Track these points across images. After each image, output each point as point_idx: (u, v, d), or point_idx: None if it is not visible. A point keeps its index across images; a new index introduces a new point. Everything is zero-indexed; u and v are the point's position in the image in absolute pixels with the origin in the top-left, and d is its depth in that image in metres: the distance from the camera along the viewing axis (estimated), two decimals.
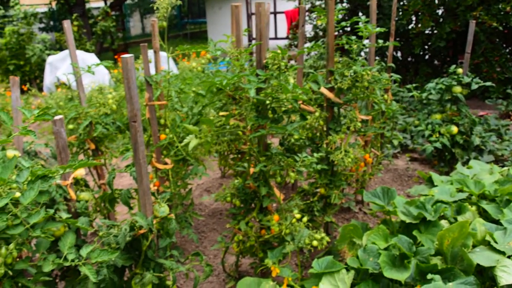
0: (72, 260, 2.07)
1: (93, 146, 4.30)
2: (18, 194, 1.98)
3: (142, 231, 2.66)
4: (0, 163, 2.04)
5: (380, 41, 4.22)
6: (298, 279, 3.34)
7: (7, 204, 1.89)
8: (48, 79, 11.09)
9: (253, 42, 4.15)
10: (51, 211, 2.09)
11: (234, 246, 3.70)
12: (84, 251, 2.11)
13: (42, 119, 2.08)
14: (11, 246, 1.87)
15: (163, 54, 11.13)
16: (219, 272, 4.12)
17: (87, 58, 10.61)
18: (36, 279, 2.12)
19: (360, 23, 3.83)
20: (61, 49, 14.89)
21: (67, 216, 2.16)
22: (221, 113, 4.28)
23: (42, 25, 18.66)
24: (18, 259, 2.06)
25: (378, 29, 3.85)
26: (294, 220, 3.30)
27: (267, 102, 3.22)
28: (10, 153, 3.79)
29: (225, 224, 4.92)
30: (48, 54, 12.75)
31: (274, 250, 3.26)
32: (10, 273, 1.88)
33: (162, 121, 4.00)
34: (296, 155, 3.31)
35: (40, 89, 11.70)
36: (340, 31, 9.74)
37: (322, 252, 3.88)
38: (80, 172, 3.40)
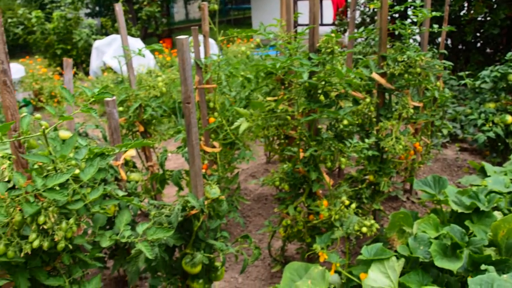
0: (128, 237, 2.12)
1: (142, 129, 4.37)
2: (77, 170, 2.04)
3: (193, 212, 2.70)
4: (57, 141, 2.09)
5: (435, 25, 4.15)
6: (345, 266, 3.34)
7: (67, 180, 1.94)
8: (95, 64, 11.30)
9: (298, 28, 4.14)
10: (109, 188, 2.14)
11: (281, 231, 3.72)
12: (140, 228, 2.16)
13: (102, 97, 2.12)
14: (71, 221, 1.93)
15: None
16: (265, 256, 4.15)
17: (133, 43, 10.74)
18: (92, 255, 2.19)
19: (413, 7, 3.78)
20: (106, 34, 15.14)
21: (123, 194, 2.21)
22: (268, 98, 4.29)
23: (88, 11, 18.99)
24: (75, 235, 2.12)
25: (434, 13, 3.78)
26: (342, 206, 3.30)
27: (319, 86, 3.21)
28: (63, 133, 3.88)
29: (270, 209, 4.94)
30: (94, 39, 12.97)
31: (322, 236, 3.26)
32: (70, 247, 1.94)
33: (211, 104, 4.03)
34: (347, 141, 3.29)
35: (87, 73, 11.93)
36: (388, 17, 9.59)
37: (369, 240, 3.87)
38: (131, 153, 3.47)
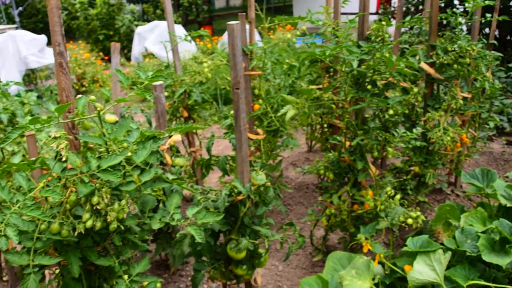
0: (178, 220, 2.13)
1: (186, 114, 4.39)
2: (129, 153, 2.05)
3: (240, 198, 2.70)
4: (108, 124, 2.11)
5: (488, 15, 4.03)
6: (389, 257, 3.30)
7: (120, 161, 1.96)
8: (136, 49, 11.41)
9: (342, 17, 4.11)
10: (160, 171, 2.15)
11: (323, 220, 3.69)
12: (190, 212, 2.16)
13: (156, 81, 2.13)
14: (123, 202, 1.94)
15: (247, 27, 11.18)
16: (306, 245, 4.14)
17: (175, 29, 10.78)
18: (142, 237, 2.20)
19: None
20: (148, 20, 15.26)
21: (173, 178, 2.22)
22: (311, 87, 4.26)
23: None
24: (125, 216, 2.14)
25: (487, 2, 3.67)
26: (386, 197, 3.26)
27: (368, 74, 3.16)
28: (109, 117, 3.92)
29: (311, 198, 4.92)
30: (136, 25, 13.09)
31: (367, 226, 3.22)
32: (122, 227, 1.96)
33: (256, 91, 4.02)
34: (394, 131, 3.24)
35: (128, 59, 12.07)
36: None
37: (411, 232, 3.81)
38: (176, 138, 3.48)
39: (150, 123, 4.21)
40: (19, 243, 1.81)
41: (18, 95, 7.01)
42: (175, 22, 14.42)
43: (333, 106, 4.24)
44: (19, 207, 1.70)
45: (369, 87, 3.23)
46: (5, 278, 3.96)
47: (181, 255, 2.88)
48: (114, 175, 1.86)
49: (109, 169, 1.87)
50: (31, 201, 1.73)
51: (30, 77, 9.58)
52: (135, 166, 2.01)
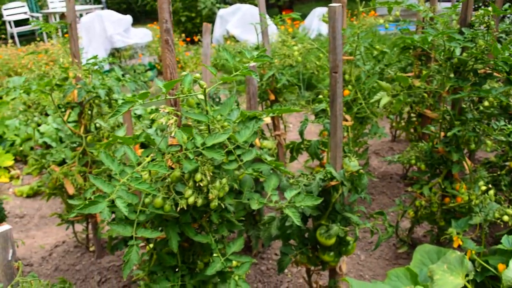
0: (276, 202, 2.11)
1: (272, 97, 4.37)
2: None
3: (333, 183, 2.66)
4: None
5: None
6: (480, 254, 3.17)
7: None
8: (218, 32, 11.49)
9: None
10: (259, 152, 2.13)
11: (410, 211, 3.59)
12: (288, 194, 2.14)
13: (260, 61, 2.11)
14: (224, 180, 1.94)
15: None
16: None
17: (257, 13, 10.77)
18: (238, 216, 2.20)
19: None
20: (229, 3, 15.32)
21: (271, 159, 2.19)
22: (398, 74, 4.13)
23: None
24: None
25: None
26: (481, 191, 3.12)
27: (470, 63, 3.02)
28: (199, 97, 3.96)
29: (395, 188, 4.80)
30: (218, 8, 13.17)
31: (459, 220, 3.10)
32: (222, 206, 1.96)
33: (347, 76, 3.94)
34: (494, 123, 3.09)
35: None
36: None
37: (504, 230, 3.65)
38: (267, 120, 3.47)
39: (237, 104, 4.20)
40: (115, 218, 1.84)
41: (108, 71, 7.23)
42: (257, 6, 14.42)
43: (425, 95, 4.10)
44: (127, 179, 1.72)
45: (469, 76, 3.09)
46: (91, 249, 4.09)
47: (268, 238, 2.88)
48: (218, 153, 1.86)
49: (213, 147, 1.87)
50: (138, 174, 1.75)
51: (114, 56, 9.84)
52: (237, 146, 2.00)
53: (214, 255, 2.12)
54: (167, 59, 2.13)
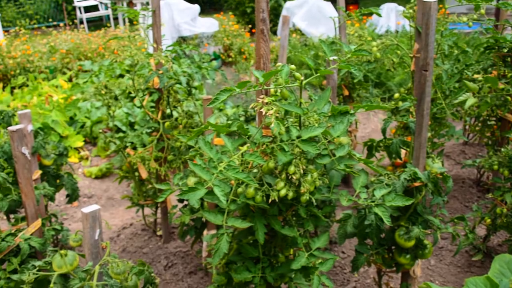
0: (365, 199, 2.06)
1: (346, 93, 4.30)
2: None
3: (417, 184, 2.58)
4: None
5: None
6: None
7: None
8: None
9: None
10: (350, 149, 2.09)
11: (487, 219, 3.47)
12: (378, 193, 2.09)
13: (359, 55, 2.06)
14: (315, 174, 1.91)
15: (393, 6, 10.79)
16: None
17: (324, 6, 10.69)
18: (325, 212, 2.17)
19: None
20: None
21: (360, 155, 2.14)
22: (475, 76, 3.99)
23: None
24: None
25: None
26: None
27: None
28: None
29: (467, 193, 4.65)
30: (285, 0, 13.10)
31: None
32: (313, 200, 1.93)
33: None
34: None
35: (274, 33, 12.13)
36: None
37: None
38: None
39: (311, 99, 4.16)
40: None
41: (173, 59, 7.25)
42: None
43: (509, 98, 3.94)
44: (224, 167, 1.71)
45: None
46: (158, 233, 4.14)
47: (343, 235, 2.82)
48: (313, 147, 1.82)
49: (308, 140, 1.84)
50: (234, 163, 1.74)
51: (181, 45, 9.93)
52: (329, 140, 1.96)
53: (295, 249, 2.09)
54: (261, 49, 2.10)
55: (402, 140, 3.04)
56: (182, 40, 9.75)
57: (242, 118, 4.06)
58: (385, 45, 4.05)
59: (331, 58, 3.20)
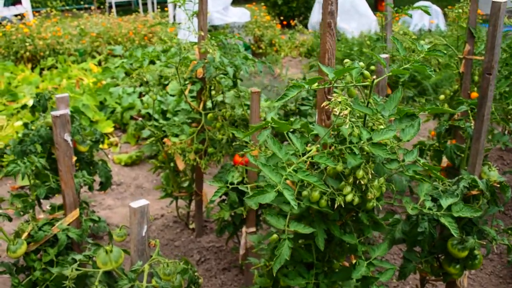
0: (430, 208, 1.95)
1: (389, 91, 4.17)
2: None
3: (474, 192, 2.46)
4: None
5: None
6: None
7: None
8: (315, 18, 11.28)
9: None
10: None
11: None
12: (444, 202, 1.98)
13: (433, 55, 1.94)
14: (382, 180, 1.80)
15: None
16: (502, 251, 3.79)
17: (357, 2, 10.50)
18: (386, 219, 2.07)
19: None
20: None
21: (424, 161, 2.02)
22: None
23: None
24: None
25: None
26: None
27: None
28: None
29: (509, 202, 4.50)
30: None
31: None
32: (380, 206, 1.82)
33: (476, 78, 3.69)
34: None
35: (305, 26, 11.97)
36: None
37: None
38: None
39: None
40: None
41: None
42: None
43: None
44: (293, 169, 1.60)
45: None
46: (191, 226, 4.05)
47: (391, 241, 2.71)
48: (384, 151, 1.71)
49: (379, 143, 1.72)
50: (303, 164, 1.63)
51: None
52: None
53: (358, 257, 1.99)
54: (327, 44, 1.99)
55: (457, 145, 2.91)
56: (213, 29, 9.64)
57: (281, 112, 3.94)
58: (433, 44, 3.91)
59: (382, 56, 3.07)
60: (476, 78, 3.74)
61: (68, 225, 2.70)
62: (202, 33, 3.23)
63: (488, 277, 3.57)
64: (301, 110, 3.82)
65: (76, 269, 2.04)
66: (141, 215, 1.99)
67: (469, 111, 2.91)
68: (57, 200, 3.09)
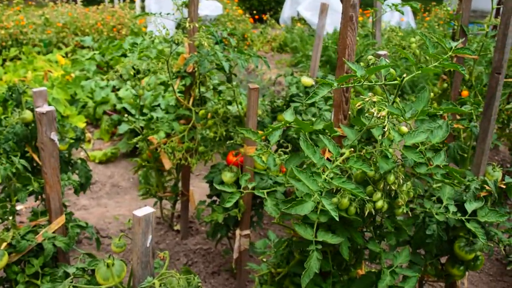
0: (454, 213, 1.87)
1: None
2: (405, 129, 1.79)
3: (483, 194, 2.39)
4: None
5: None
6: None
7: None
8: (287, 13, 11.18)
9: None
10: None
11: None
12: (469, 206, 1.90)
13: (461, 53, 1.84)
14: (409, 184, 1.70)
15: None
16: (498, 252, 3.77)
17: None
18: (407, 224, 1.97)
19: None
20: None
21: (444, 163, 1.93)
22: None
23: None
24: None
25: None
26: None
27: None
28: (306, 80, 3.72)
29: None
30: None
31: None
32: (410, 213, 1.72)
33: (466, 76, 3.65)
34: None
35: (276, 21, 11.86)
36: None
37: None
38: None
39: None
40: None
41: None
42: None
43: None
44: (327, 176, 1.48)
45: None
46: (175, 228, 3.90)
47: (394, 245, 2.63)
48: (416, 154, 1.61)
49: (411, 146, 1.62)
50: (337, 169, 1.51)
51: (180, 26, 9.62)
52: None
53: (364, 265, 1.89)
54: (348, 38, 1.88)
55: (460, 145, 2.85)
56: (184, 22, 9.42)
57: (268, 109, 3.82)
58: (424, 42, 3.84)
59: (381, 53, 2.98)
60: (467, 77, 3.70)
61: (53, 232, 2.52)
62: (196, 24, 3.08)
63: (478, 275, 3.55)
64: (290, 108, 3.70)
65: (74, 286, 1.86)
66: (146, 224, 1.83)
67: (473, 111, 2.85)
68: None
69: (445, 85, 3.90)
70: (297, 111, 3.43)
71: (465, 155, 2.90)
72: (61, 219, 2.57)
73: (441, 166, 1.91)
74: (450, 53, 1.85)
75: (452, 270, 2.62)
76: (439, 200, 2.17)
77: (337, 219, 1.44)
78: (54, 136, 2.44)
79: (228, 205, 1.82)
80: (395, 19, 10.46)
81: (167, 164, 3.34)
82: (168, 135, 3.85)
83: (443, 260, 2.64)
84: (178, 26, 9.71)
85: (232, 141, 2.88)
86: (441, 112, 2.13)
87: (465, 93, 3.62)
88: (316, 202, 1.47)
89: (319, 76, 3.93)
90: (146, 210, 1.84)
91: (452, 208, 1.88)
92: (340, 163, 1.54)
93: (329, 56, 7.61)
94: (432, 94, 3.96)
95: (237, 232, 2.98)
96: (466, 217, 1.87)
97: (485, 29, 3.54)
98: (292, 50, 9.17)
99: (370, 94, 1.56)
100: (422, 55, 4.24)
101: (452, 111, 2.15)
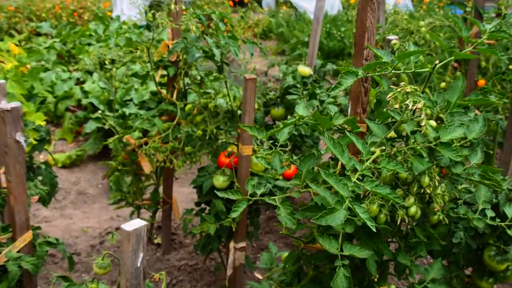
0: (492, 218, 1.85)
1: None
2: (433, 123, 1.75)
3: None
4: None
5: None
6: None
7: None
8: None
9: None
10: None
11: None
12: (509, 211, 1.87)
13: (498, 37, 1.81)
14: (444, 187, 1.67)
15: None
16: None
17: None
18: (439, 231, 1.94)
19: None
20: None
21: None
22: None
23: None
24: None
25: None
26: None
27: None
28: (303, 69, 3.70)
29: None
30: None
31: None
32: (446, 220, 1.69)
33: (483, 63, 3.66)
34: None
35: (258, 3, 11.82)
36: None
37: None
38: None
39: None
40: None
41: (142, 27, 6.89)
42: None
43: None
44: (359, 179, 1.44)
45: None
46: (155, 241, 3.82)
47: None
48: (454, 152, 1.57)
49: (448, 143, 1.59)
50: (369, 171, 1.47)
51: (152, 9, 9.53)
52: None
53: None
54: (368, 21, 1.84)
55: (486, 141, 2.83)
56: (157, 5, 9.32)
57: (260, 102, 3.79)
58: (434, 26, 3.84)
59: (391, 37, 2.95)
60: (483, 64, 3.70)
61: (18, 251, 2.42)
62: (183, 6, 3.02)
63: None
64: (284, 100, 3.66)
65: None
66: (136, 239, 1.76)
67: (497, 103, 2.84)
68: None
69: (458, 73, 3.90)
70: (291, 104, 3.41)
71: (490, 151, 2.89)
72: (28, 236, 2.47)
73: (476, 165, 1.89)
74: (485, 37, 1.82)
75: (480, 282, 2.59)
76: (466, 203, 2.15)
77: (373, 229, 1.39)
78: (20, 137, 2.35)
79: (235, 215, 1.76)
80: (391, 1, 10.50)
81: (147, 167, 3.27)
82: (144, 134, 3.79)
83: (467, 271, 2.62)
84: (151, 8, 9.64)
85: (224, 140, 2.83)
86: (469, 104, 2.11)
87: (481, 82, 3.61)
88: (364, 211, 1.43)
89: (317, 64, 3.90)
90: (136, 223, 1.77)
91: (490, 213, 1.85)
92: (370, 164, 1.50)
93: (320, 42, 7.60)
94: (443, 83, 3.95)
95: (231, 244, 2.93)
96: (507, 222, 1.83)
97: (502, 11, 3.56)
98: (277, 36, 9.13)
99: (402, 84, 1.52)
100: (437, 39, 4.25)
101: (483, 102, 2.13)
